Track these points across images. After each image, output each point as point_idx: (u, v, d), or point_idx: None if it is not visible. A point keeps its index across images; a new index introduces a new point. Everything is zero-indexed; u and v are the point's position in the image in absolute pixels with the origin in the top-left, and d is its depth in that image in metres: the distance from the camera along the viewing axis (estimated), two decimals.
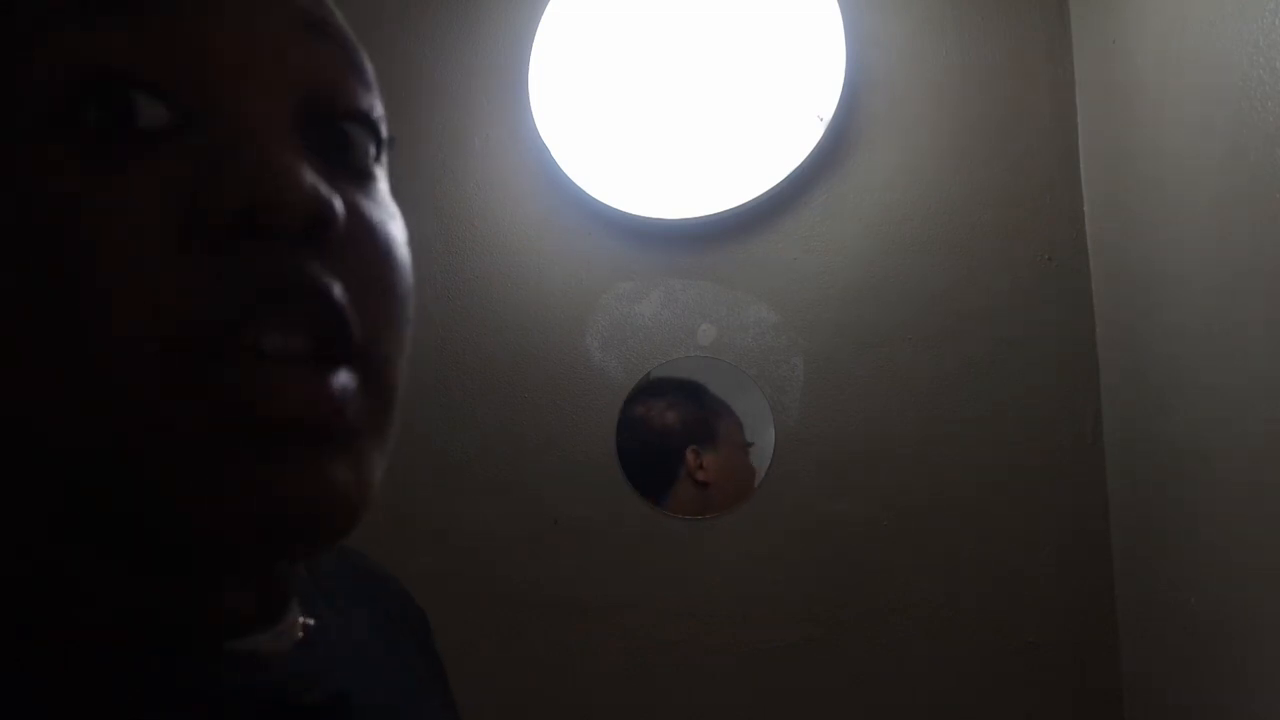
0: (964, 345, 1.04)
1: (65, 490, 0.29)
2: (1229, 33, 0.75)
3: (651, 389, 1.09)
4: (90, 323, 0.28)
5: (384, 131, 0.36)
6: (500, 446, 1.09)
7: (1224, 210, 0.77)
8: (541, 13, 1.11)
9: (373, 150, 0.35)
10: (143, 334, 0.27)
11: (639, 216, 1.08)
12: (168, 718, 0.30)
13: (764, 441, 1.06)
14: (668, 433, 1.07)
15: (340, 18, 0.36)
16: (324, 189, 0.30)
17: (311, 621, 0.37)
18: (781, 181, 1.06)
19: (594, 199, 1.08)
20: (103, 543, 0.30)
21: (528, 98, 1.10)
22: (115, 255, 0.28)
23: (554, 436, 1.08)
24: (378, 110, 0.36)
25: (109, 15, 0.30)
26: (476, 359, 1.10)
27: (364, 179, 0.35)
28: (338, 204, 0.30)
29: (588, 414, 1.08)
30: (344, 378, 0.30)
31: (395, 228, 0.36)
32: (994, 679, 0.99)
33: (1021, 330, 1.03)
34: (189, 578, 0.32)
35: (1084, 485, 1.00)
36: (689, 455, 1.06)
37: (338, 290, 0.30)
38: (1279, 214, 0.68)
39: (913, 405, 1.04)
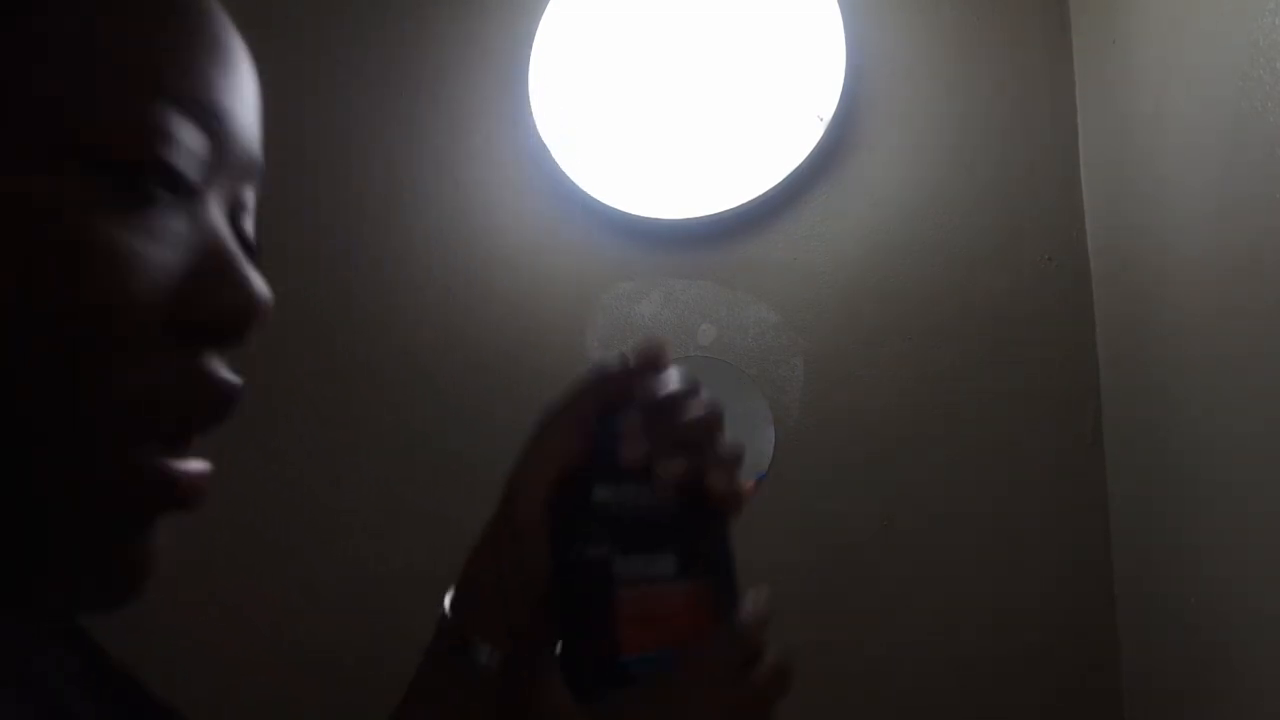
0: (964, 345, 1.04)
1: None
2: (1229, 33, 0.75)
3: None
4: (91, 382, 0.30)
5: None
6: (499, 446, 1.08)
7: (1224, 210, 0.77)
8: (541, 13, 1.11)
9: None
10: (125, 413, 0.31)
11: (639, 216, 1.08)
12: None
13: (763, 442, 1.06)
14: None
15: None
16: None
17: None
18: (781, 181, 1.06)
19: (594, 199, 1.08)
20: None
21: (527, 97, 1.10)
22: (123, 316, 0.31)
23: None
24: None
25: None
26: (475, 359, 1.10)
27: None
28: None
29: None
30: (201, 464, 0.34)
31: None
32: (994, 679, 0.99)
33: (1021, 330, 1.03)
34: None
35: (1084, 485, 1.00)
36: None
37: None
38: (1279, 214, 0.68)
39: (912, 405, 1.04)
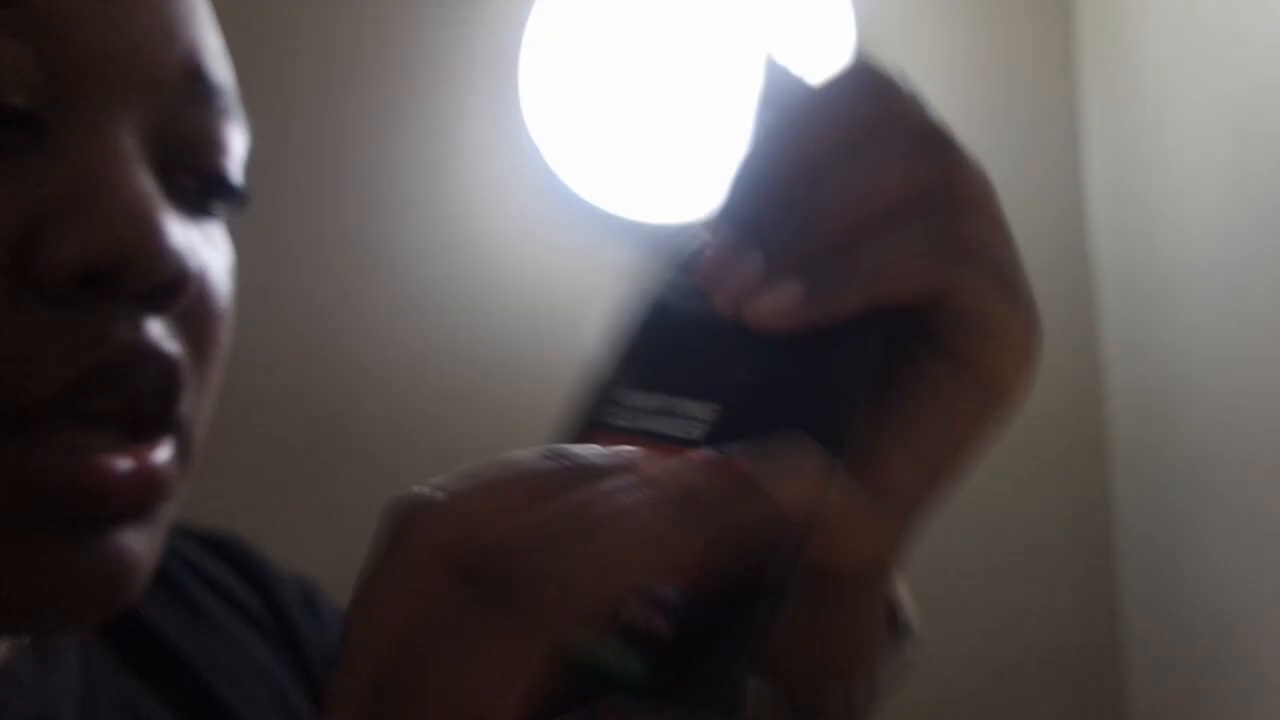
0: None
1: None
2: (1236, 33, 0.74)
3: None
4: None
5: (241, 197, 0.32)
6: (492, 451, 1.07)
7: (1229, 211, 0.76)
8: (530, 7, 1.09)
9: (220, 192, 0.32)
10: None
11: (637, 221, 1.07)
12: None
13: None
14: None
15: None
16: (189, 252, 0.27)
17: None
18: None
19: (588, 203, 1.07)
20: None
21: (517, 97, 1.09)
22: None
23: (550, 441, 1.07)
24: (238, 174, 0.32)
25: None
26: (468, 363, 1.09)
27: (206, 217, 0.31)
28: (199, 267, 0.28)
29: None
30: (165, 452, 0.28)
31: (228, 279, 0.32)
32: (994, 682, 0.98)
33: None
34: None
35: (1084, 486, 1.00)
36: None
37: (182, 361, 0.28)
38: None
39: None
